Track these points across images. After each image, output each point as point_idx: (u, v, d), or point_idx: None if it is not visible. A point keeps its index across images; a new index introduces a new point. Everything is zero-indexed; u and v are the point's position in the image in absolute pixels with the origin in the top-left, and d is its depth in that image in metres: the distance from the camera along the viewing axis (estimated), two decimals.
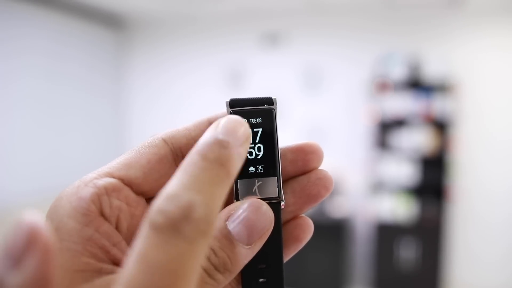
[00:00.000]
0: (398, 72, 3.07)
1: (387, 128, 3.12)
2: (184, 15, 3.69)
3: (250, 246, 0.24)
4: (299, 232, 0.28)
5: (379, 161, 3.10)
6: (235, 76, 3.69)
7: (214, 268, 0.24)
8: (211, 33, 3.73)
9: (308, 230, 0.28)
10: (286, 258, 0.28)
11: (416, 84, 3.07)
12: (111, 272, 0.23)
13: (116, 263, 0.23)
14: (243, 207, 0.25)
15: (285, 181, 0.28)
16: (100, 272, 0.22)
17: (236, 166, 0.22)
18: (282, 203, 0.27)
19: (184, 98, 3.83)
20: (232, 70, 3.69)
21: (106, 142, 3.89)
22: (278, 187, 0.27)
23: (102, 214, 0.24)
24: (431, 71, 3.03)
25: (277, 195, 0.27)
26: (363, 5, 3.27)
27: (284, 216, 0.28)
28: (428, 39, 3.20)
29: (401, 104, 3.07)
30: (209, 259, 0.24)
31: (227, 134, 0.22)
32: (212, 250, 0.24)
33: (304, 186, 0.28)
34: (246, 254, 0.24)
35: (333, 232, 3.04)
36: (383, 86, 3.08)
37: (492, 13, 3.08)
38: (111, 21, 3.85)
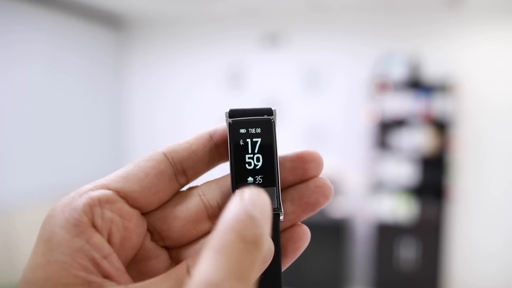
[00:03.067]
0: (398, 72, 3.07)
1: (387, 128, 3.12)
2: (184, 15, 3.69)
3: None
4: (296, 240, 0.28)
5: (379, 161, 3.10)
6: (235, 76, 3.69)
7: None
8: (211, 33, 3.73)
9: (305, 238, 0.28)
10: (283, 267, 0.28)
11: (416, 84, 3.06)
12: (100, 286, 0.22)
13: (106, 276, 0.23)
14: None
15: (284, 189, 0.28)
16: (89, 286, 0.22)
17: (266, 246, 0.21)
18: (281, 215, 0.27)
19: (184, 98, 3.83)
20: (232, 70, 3.69)
21: (106, 140, 3.89)
22: (277, 198, 0.27)
23: (94, 226, 0.24)
24: (431, 71, 3.02)
25: (276, 207, 0.27)
26: (363, 5, 3.26)
27: (282, 224, 0.28)
28: (428, 39, 3.20)
29: (401, 104, 3.06)
30: None
31: (257, 211, 0.21)
32: None
33: (303, 195, 0.28)
34: None
35: (333, 232, 3.04)
36: (383, 86, 3.08)
37: (492, 13, 3.08)
38: (111, 21, 3.85)
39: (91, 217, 0.24)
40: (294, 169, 0.28)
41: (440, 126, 3.03)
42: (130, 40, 3.99)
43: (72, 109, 3.48)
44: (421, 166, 3.08)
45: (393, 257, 3.01)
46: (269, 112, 0.28)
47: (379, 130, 3.12)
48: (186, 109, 3.81)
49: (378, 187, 3.11)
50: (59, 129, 3.37)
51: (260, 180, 0.27)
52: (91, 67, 3.67)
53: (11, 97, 2.99)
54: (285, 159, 0.28)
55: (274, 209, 0.27)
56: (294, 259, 0.28)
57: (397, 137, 3.09)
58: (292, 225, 0.28)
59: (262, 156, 0.27)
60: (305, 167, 0.28)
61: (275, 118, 0.28)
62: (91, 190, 0.25)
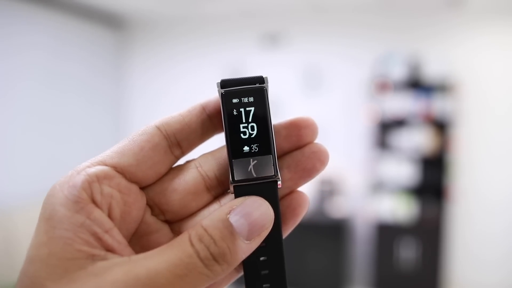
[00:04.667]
0: (398, 72, 3.07)
1: (387, 128, 3.12)
2: (184, 15, 3.69)
3: (249, 241, 0.25)
4: (295, 206, 0.28)
5: (379, 161, 3.10)
6: (235, 76, 3.69)
7: (212, 258, 0.24)
8: (211, 33, 3.73)
9: (304, 204, 0.28)
10: (284, 234, 0.28)
11: (416, 84, 3.07)
12: (104, 259, 0.23)
13: (109, 249, 0.24)
14: (245, 203, 0.25)
15: (280, 157, 0.28)
16: (93, 259, 0.23)
17: None
18: (279, 182, 0.27)
19: (184, 98, 3.83)
20: (232, 70, 3.69)
21: (106, 142, 3.89)
22: (273, 165, 0.27)
23: (94, 201, 0.24)
24: (431, 71, 3.03)
25: (273, 174, 0.27)
26: (363, 5, 3.27)
27: (280, 192, 0.28)
28: (428, 39, 3.21)
29: (401, 104, 3.07)
30: (208, 248, 0.24)
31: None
32: (213, 239, 0.24)
33: (299, 161, 0.28)
34: (245, 248, 0.25)
35: (333, 232, 3.03)
36: (383, 86, 3.08)
37: (492, 13, 3.08)
38: (111, 21, 3.86)
39: (90, 193, 0.24)
40: (289, 136, 0.28)
41: (440, 126, 3.03)
42: (130, 41, 4.00)
43: (71, 110, 3.49)
44: (421, 166, 3.08)
45: (393, 257, 3.01)
46: (261, 80, 0.28)
47: (379, 130, 3.12)
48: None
49: (378, 187, 3.11)
50: (59, 130, 3.37)
51: (255, 149, 0.27)
52: (91, 67, 3.67)
53: (11, 97, 2.99)
54: (279, 126, 0.28)
55: (271, 177, 0.27)
56: (294, 226, 0.28)
57: (397, 137, 3.09)
58: (290, 192, 0.28)
59: (256, 124, 0.27)
60: (299, 134, 0.28)
61: (267, 85, 0.28)
62: (89, 167, 0.25)
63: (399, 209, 3.02)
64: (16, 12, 2.99)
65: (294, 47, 3.52)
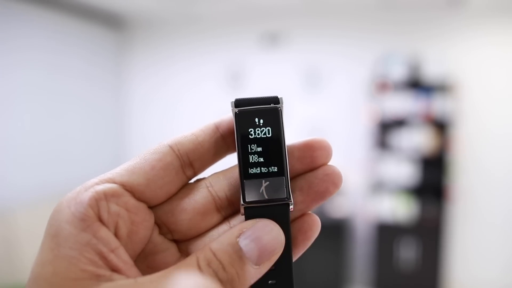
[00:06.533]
0: (398, 72, 3.07)
1: (387, 128, 3.11)
2: (184, 15, 3.68)
3: (258, 266, 0.24)
4: (306, 230, 0.27)
5: (379, 161, 3.10)
6: (235, 76, 3.69)
7: (220, 284, 0.23)
8: (211, 33, 3.73)
9: (315, 227, 0.28)
10: (294, 258, 0.27)
11: (416, 84, 3.07)
12: (109, 279, 0.22)
13: (114, 269, 0.23)
14: (256, 226, 0.25)
15: (293, 178, 0.27)
16: (98, 280, 0.22)
17: None
18: (291, 205, 0.26)
19: (184, 98, 3.83)
20: (232, 70, 3.68)
21: (106, 140, 3.89)
22: (286, 187, 0.26)
23: (100, 220, 0.24)
24: (431, 71, 3.03)
25: (285, 196, 0.26)
26: (363, 5, 3.27)
27: (291, 214, 0.27)
28: (428, 39, 3.20)
29: (401, 104, 3.06)
30: (216, 273, 0.23)
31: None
32: (221, 264, 0.23)
33: (312, 183, 0.27)
34: (254, 273, 0.24)
35: (333, 232, 3.03)
36: (383, 86, 3.08)
37: (492, 13, 3.08)
38: (111, 21, 3.85)
39: (97, 211, 0.24)
40: (302, 157, 0.27)
41: (440, 126, 3.03)
42: (130, 40, 3.99)
43: (72, 109, 3.48)
44: (421, 166, 3.08)
45: (393, 257, 3.01)
46: (276, 100, 0.28)
47: (379, 130, 3.12)
48: (186, 109, 3.81)
49: (378, 187, 3.11)
50: (60, 127, 3.37)
51: (268, 170, 0.27)
52: (91, 67, 3.67)
53: (12, 95, 2.98)
54: (293, 147, 0.28)
55: (283, 199, 0.26)
56: (305, 249, 0.28)
57: (397, 137, 3.09)
58: (302, 215, 0.28)
59: (269, 145, 0.27)
60: (313, 155, 0.27)
61: (282, 106, 0.28)
62: (97, 184, 0.25)
63: (399, 209, 3.03)
64: (15, 12, 2.98)
65: (294, 47, 3.51)
